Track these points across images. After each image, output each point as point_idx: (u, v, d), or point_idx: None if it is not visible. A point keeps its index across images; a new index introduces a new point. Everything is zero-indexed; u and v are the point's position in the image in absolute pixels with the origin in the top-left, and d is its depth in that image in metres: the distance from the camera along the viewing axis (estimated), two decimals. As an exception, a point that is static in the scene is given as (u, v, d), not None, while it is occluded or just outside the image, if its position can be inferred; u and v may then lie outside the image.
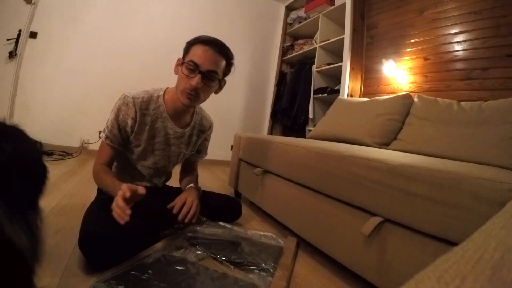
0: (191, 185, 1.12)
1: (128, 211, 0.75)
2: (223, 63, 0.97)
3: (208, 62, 0.92)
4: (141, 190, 0.79)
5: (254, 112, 3.58)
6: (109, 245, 0.78)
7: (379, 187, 0.80)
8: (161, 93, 1.04)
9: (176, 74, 1.00)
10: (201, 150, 1.27)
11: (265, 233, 1.11)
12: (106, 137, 0.98)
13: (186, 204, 1.01)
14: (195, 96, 0.95)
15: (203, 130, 1.20)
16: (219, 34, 3.62)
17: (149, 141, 1.04)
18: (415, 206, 0.70)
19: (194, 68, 0.92)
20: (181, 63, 0.97)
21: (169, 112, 1.04)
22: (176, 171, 1.32)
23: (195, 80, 0.92)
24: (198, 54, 0.92)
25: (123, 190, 0.78)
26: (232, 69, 1.03)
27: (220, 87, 1.04)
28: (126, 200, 0.77)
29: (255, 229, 1.20)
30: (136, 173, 1.12)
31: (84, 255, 0.78)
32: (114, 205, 0.78)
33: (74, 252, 0.85)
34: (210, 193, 1.29)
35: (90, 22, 2.70)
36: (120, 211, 0.76)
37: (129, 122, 0.98)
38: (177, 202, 1.02)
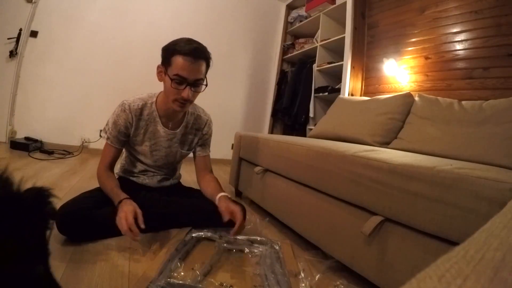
0: (224, 194, 1.10)
1: (137, 232, 0.86)
2: (204, 65, 1.02)
3: (193, 73, 0.98)
4: (140, 223, 0.88)
5: (255, 111, 3.58)
6: (77, 220, 0.91)
7: (379, 186, 0.80)
8: (154, 99, 1.13)
9: (160, 81, 1.05)
10: (203, 144, 1.30)
11: (261, 239, 1.09)
12: (108, 138, 1.11)
13: (237, 219, 0.99)
14: (187, 103, 1.03)
15: (200, 128, 1.25)
16: (220, 33, 3.59)
17: (145, 143, 1.15)
18: (416, 206, 0.70)
19: (181, 81, 0.97)
20: (164, 71, 1.01)
21: (161, 116, 1.13)
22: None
23: (186, 92, 0.98)
24: (182, 67, 0.96)
25: (129, 218, 0.86)
26: (211, 63, 1.06)
27: (206, 85, 1.07)
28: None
29: (254, 233, 1.20)
30: (142, 168, 1.24)
31: (57, 228, 0.90)
32: (125, 226, 0.85)
33: (76, 250, 0.88)
34: None
35: (91, 21, 2.70)
36: (132, 233, 0.85)
37: (127, 125, 1.10)
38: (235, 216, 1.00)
